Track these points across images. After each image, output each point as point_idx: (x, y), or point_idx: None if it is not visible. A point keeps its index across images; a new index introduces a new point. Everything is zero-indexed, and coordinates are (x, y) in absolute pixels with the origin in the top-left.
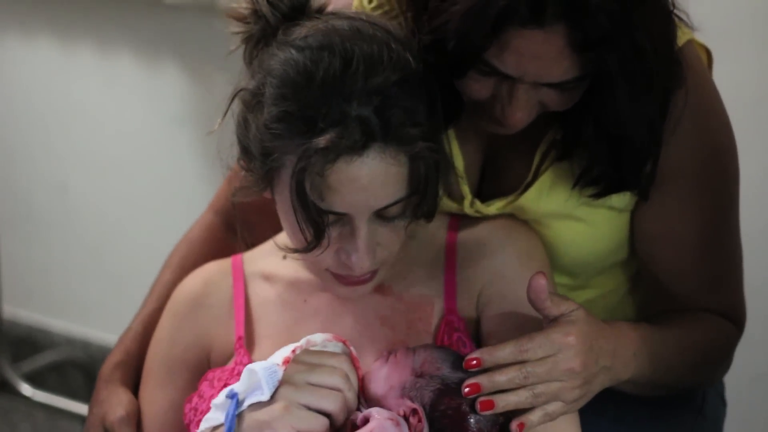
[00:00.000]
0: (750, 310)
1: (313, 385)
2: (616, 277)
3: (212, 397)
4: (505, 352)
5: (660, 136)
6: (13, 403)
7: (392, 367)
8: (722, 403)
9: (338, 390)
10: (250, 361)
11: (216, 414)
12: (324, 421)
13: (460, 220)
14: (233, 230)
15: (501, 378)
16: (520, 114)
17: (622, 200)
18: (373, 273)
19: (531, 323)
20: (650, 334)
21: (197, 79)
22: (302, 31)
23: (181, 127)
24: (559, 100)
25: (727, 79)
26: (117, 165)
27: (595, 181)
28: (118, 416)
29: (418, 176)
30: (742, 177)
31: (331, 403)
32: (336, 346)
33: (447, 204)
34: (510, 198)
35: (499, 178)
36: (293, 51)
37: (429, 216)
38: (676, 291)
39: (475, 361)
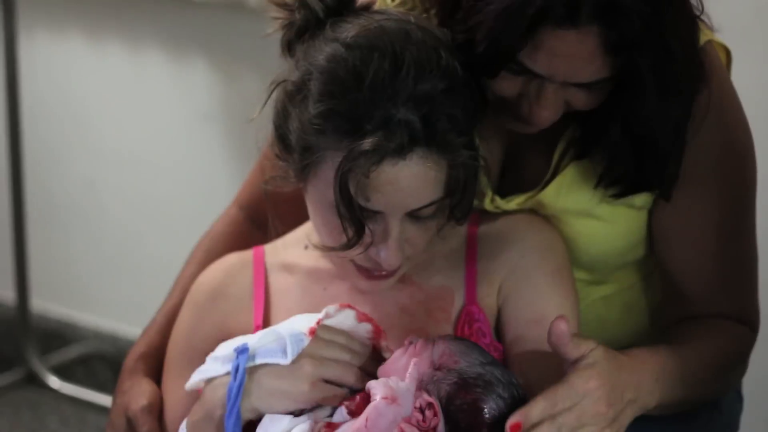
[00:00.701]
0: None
1: (330, 359)
2: (633, 274)
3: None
4: (538, 410)
5: (684, 137)
6: (41, 396)
7: (410, 359)
8: (738, 397)
9: (353, 365)
10: None
11: (214, 365)
12: (345, 393)
13: (481, 213)
14: (257, 224)
15: None
16: (547, 113)
17: (641, 198)
18: (397, 268)
19: (550, 315)
20: (669, 357)
21: (226, 76)
22: (352, 28)
23: (209, 124)
24: (586, 100)
25: (745, 79)
26: (145, 161)
27: (617, 180)
28: (140, 406)
29: (456, 181)
30: (759, 176)
31: (352, 377)
32: (346, 315)
33: None
34: (529, 194)
35: (518, 174)
36: (342, 48)
37: (461, 219)
38: (691, 291)
39: (515, 427)
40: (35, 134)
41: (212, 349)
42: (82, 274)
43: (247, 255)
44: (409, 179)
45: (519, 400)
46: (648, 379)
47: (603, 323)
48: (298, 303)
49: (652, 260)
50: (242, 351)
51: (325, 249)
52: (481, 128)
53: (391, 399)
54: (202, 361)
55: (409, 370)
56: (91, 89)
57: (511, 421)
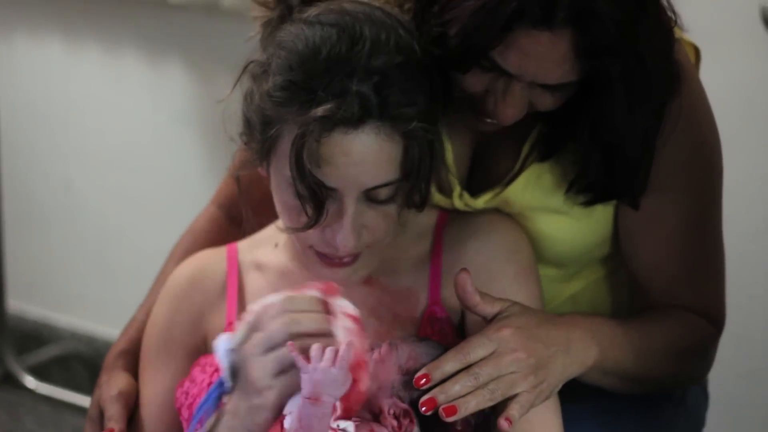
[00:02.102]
0: (740, 309)
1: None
2: (601, 269)
3: (204, 381)
4: (449, 363)
5: (653, 147)
6: (18, 396)
7: (378, 366)
8: (704, 395)
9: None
10: None
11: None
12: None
13: (448, 214)
14: (235, 223)
15: (454, 387)
16: (511, 111)
17: None
18: (355, 257)
19: None
20: (606, 322)
21: (201, 79)
22: (315, 9)
23: (184, 126)
24: (550, 102)
25: (714, 81)
26: (121, 162)
27: (587, 188)
28: (110, 394)
29: (412, 160)
30: (730, 178)
31: (289, 360)
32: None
33: (437, 198)
34: (497, 190)
35: (487, 171)
36: (304, 26)
37: (420, 205)
38: (656, 287)
39: (424, 380)
40: (13, 135)
41: (189, 340)
42: (59, 274)
43: (221, 252)
44: (362, 152)
45: None
46: (581, 333)
47: None
48: None
49: (619, 256)
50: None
51: (287, 230)
52: (449, 126)
53: (314, 399)
54: (178, 354)
55: (341, 352)
56: (69, 91)
57: (419, 374)
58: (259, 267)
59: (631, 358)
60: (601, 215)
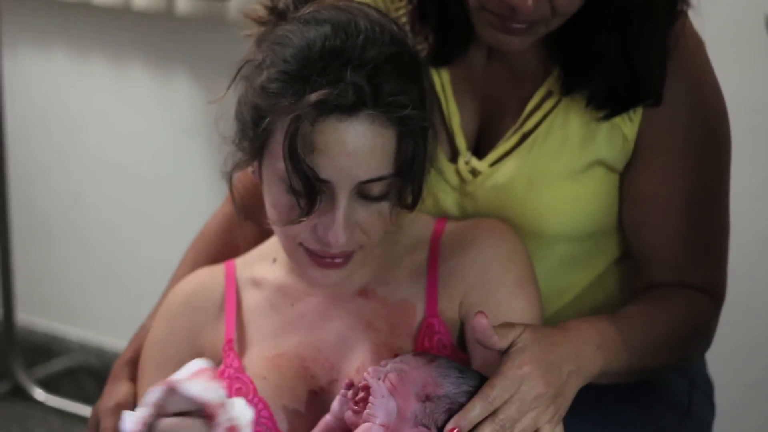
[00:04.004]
0: (748, 318)
1: None
2: (602, 261)
3: None
4: (476, 411)
5: (668, 39)
6: (28, 408)
7: (396, 397)
8: (710, 405)
9: None
10: (240, 365)
11: None
12: None
13: (444, 224)
14: (249, 217)
15: None
16: (532, 1)
17: (612, 152)
18: (347, 257)
19: None
20: (612, 325)
21: (209, 91)
22: (308, 8)
23: (192, 138)
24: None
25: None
26: (130, 175)
27: (608, 98)
28: (107, 406)
29: (405, 155)
30: (734, 186)
31: None
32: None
33: (443, 165)
34: (501, 148)
35: (493, 134)
36: (300, 24)
37: (412, 205)
38: (657, 257)
39: (456, 431)
40: (20, 148)
41: (184, 358)
42: (67, 287)
43: (219, 269)
44: (356, 142)
45: None
46: (587, 347)
47: None
48: (267, 319)
49: (621, 243)
50: None
51: (278, 223)
52: (456, 91)
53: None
54: (174, 371)
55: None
56: (76, 104)
57: (448, 428)
58: (256, 283)
59: (635, 355)
60: (607, 181)
